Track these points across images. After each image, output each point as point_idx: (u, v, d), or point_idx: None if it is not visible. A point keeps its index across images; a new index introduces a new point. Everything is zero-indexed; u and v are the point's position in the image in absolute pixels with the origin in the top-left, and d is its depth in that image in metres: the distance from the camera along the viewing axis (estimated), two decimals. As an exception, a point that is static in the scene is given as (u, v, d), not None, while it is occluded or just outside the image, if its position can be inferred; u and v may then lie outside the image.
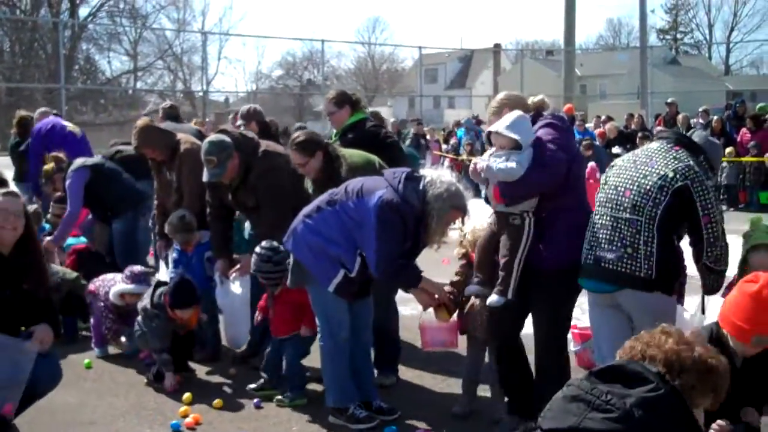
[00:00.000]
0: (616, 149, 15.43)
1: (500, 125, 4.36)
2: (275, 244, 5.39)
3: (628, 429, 2.27)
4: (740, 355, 3.44)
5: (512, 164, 4.27)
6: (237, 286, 6.13)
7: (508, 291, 4.45)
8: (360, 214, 4.74)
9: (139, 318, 5.84)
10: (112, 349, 6.54)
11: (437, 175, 4.82)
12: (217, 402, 5.31)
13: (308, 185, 5.67)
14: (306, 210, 5.02)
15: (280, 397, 5.35)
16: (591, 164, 14.73)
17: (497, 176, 4.33)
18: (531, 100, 4.65)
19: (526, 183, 4.31)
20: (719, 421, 3.34)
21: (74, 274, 7.01)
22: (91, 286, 6.55)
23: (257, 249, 5.45)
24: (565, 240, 4.37)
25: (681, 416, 2.35)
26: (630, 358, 2.50)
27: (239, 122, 7.56)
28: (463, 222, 4.94)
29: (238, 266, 6.04)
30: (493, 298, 4.52)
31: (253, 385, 5.55)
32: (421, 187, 4.72)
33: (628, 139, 16.53)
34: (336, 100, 6.31)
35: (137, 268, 6.40)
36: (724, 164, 16.44)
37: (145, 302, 5.81)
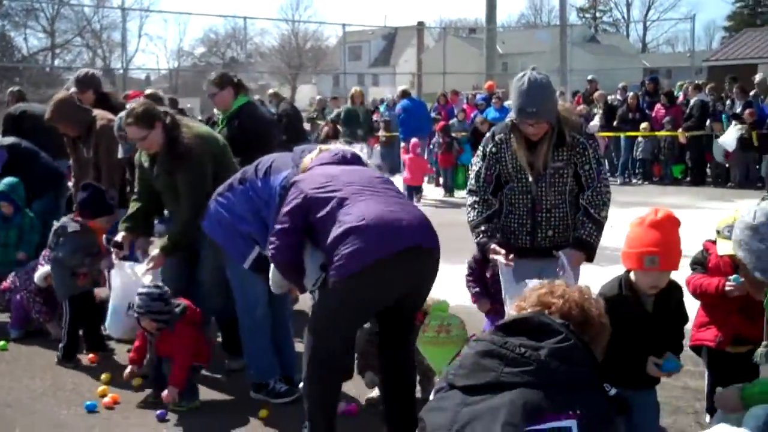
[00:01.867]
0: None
1: None
2: (159, 283, 5.04)
3: (546, 380, 2.30)
4: (648, 290, 3.50)
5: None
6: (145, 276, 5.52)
7: None
8: (267, 192, 4.71)
9: (48, 252, 5.98)
10: (28, 331, 6.42)
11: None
12: (136, 381, 5.26)
13: (144, 160, 5.48)
14: (219, 188, 4.99)
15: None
16: (413, 140, 15.15)
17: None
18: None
19: None
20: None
21: None
22: (5, 284, 6.47)
23: (143, 289, 4.91)
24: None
25: (591, 363, 2.40)
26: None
27: (71, 89, 7.12)
28: None
29: (152, 259, 5.45)
30: None
31: None
32: None
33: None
34: (218, 81, 6.25)
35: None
36: (640, 139, 16.90)
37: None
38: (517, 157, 4.39)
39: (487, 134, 4.58)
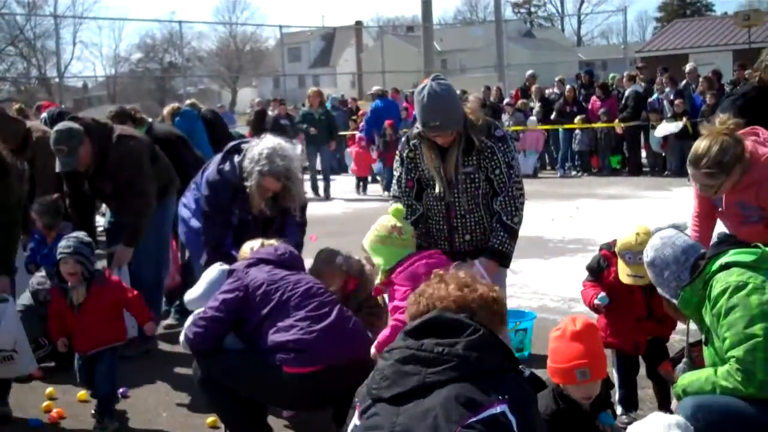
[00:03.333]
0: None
1: None
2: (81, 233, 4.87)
3: (469, 372, 2.41)
4: (585, 398, 3.38)
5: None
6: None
7: None
8: (201, 190, 5.07)
9: None
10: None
11: (260, 141, 4.86)
12: (81, 394, 5.20)
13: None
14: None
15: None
16: (358, 134, 15.47)
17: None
18: None
19: None
20: None
21: None
22: None
23: (72, 234, 4.81)
24: None
25: (502, 349, 2.56)
26: (422, 311, 2.68)
27: None
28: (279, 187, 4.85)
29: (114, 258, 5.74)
30: None
31: None
32: (239, 158, 4.80)
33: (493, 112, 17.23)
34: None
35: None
36: (577, 131, 17.18)
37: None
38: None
39: (402, 139, 4.58)
